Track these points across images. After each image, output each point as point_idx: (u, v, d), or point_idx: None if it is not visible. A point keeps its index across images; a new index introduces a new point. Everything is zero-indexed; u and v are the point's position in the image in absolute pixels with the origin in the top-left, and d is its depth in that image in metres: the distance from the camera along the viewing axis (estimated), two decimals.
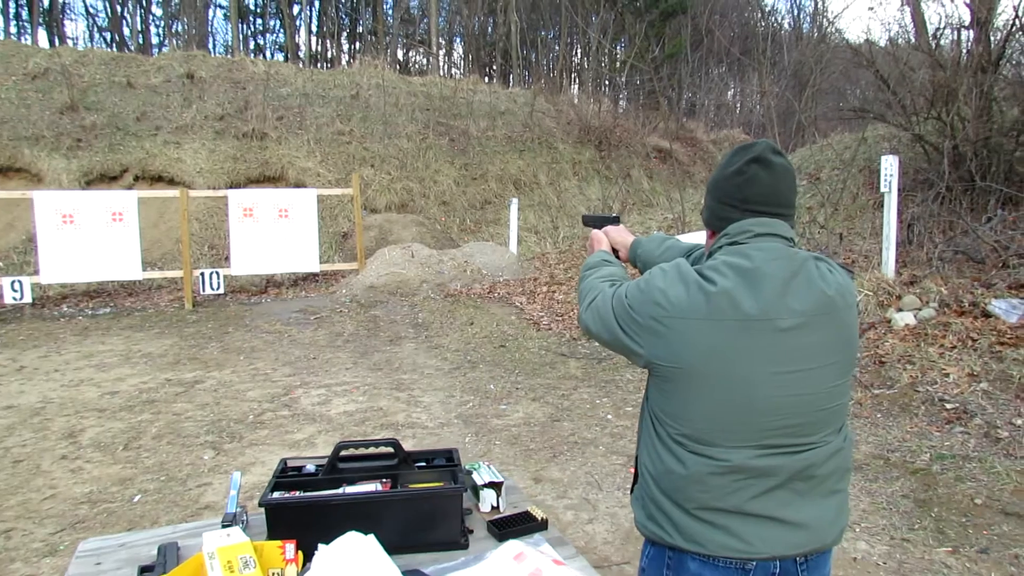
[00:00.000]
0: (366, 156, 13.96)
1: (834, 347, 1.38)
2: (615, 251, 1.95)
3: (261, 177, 12.84)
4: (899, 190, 6.82)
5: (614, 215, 2.04)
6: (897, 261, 6.81)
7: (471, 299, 9.40)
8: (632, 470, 1.55)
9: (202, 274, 9.44)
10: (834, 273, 1.41)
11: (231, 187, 11.99)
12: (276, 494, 1.78)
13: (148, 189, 11.57)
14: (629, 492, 1.49)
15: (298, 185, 12.52)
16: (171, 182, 12.05)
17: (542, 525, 1.85)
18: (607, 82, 24.78)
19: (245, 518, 1.81)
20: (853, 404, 5.16)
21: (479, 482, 1.98)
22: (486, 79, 23.80)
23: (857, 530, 3.52)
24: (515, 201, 11.92)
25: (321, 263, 10.17)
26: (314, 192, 10.04)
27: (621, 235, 1.97)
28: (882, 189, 6.77)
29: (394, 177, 13.72)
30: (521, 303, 9.19)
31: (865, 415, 4.99)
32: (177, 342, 7.46)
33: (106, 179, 12.00)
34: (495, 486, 1.97)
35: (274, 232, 9.62)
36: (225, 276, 9.66)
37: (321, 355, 6.95)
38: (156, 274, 9.64)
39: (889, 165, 6.64)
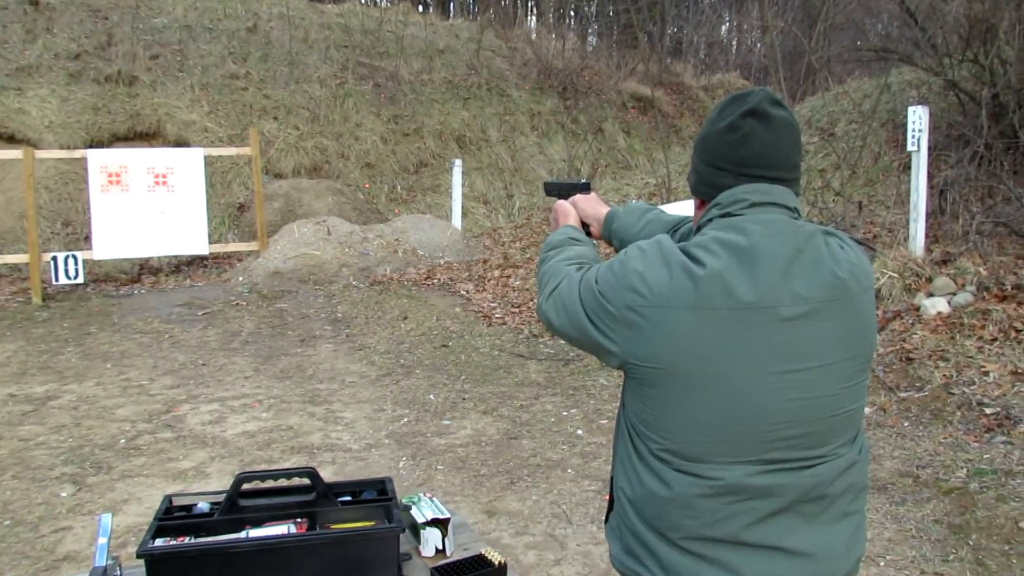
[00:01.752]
0: (267, 106, 13.77)
1: (847, 340, 1.41)
2: (585, 226, 1.98)
3: (131, 133, 12.55)
4: (929, 148, 7.00)
5: (583, 181, 2.08)
6: (927, 235, 7.00)
7: (404, 287, 9.40)
8: (608, 496, 1.59)
9: (54, 259, 9.21)
10: (846, 250, 1.45)
11: (91, 146, 11.67)
12: (159, 541, 1.77)
13: None
14: (604, 523, 1.54)
15: (180, 144, 12.28)
16: (11, 140, 11.66)
17: (500, 571, 1.86)
18: (572, 13, 24.83)
19: (119, 572, 1.77)
20: (876, 410, 5.31)
21: (419, 519, 1.99)
22: (420, 8, 23.61)
23: (881, 563, 3.62)
24: (458, 163, 11.88)
25: (211, 243, 10.02)
26: (201, 152, 9.88)
27: (593, 206, 2.00)
28: (909, 147, 6.95)
29: (304, 133, 13.56)
30: (467, 291, 9.23)
31: (890, 423, 5.13)
32: (23, 347, 7.29)
33: None
34: (440, 524, 1.97)
35: (149, 204, 9.44)
36: (85, 261, 9.44)
37: (212, 361, 6.90)
38: None
39: (917, 118, 6.80)
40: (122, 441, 5.13)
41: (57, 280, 9.23)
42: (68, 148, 11.33)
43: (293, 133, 13.48)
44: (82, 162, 9.80)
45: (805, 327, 1.37)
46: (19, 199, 10.63)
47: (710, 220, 1.47)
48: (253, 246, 10.32)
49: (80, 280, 9.34)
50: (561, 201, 2.03)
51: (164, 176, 9.54)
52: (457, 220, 11.72)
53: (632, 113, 17.38)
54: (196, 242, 9.71)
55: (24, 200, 9.46)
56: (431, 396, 6.03)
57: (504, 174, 14.49)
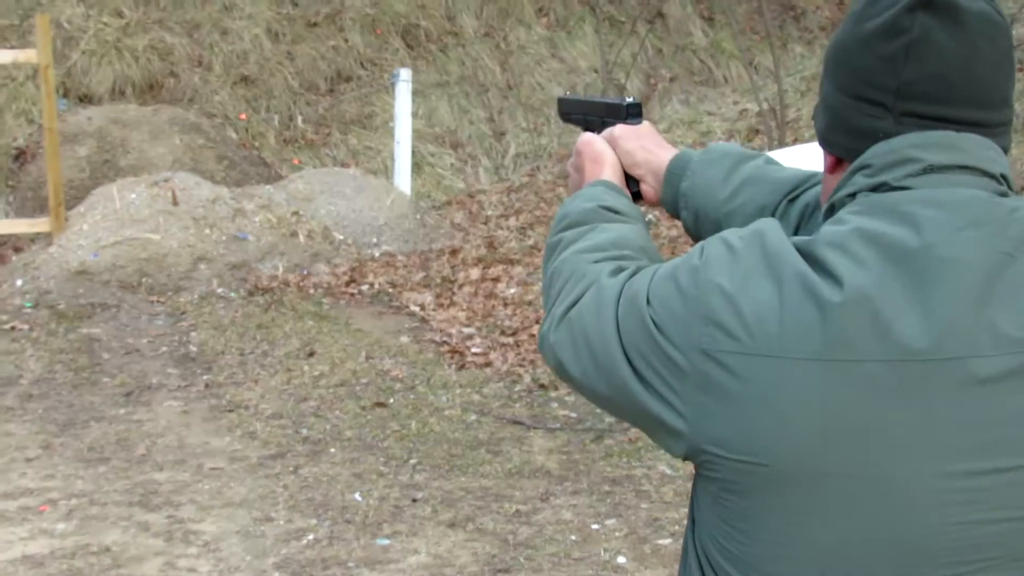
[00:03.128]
0: None
1: None
2: (632, 182, 1.97)
3: None
4: None
5: (630, 100, 2.06)
6: None
7: (310, 298, 9.39)
8: None
9: None
10: None
11: None
12: None
13: None
14: None
15: None
16: None
17: None
18: None
19: None
20: None
21: None
22: None
23: None
24: (406, 75, 11.83)
25: None
26: None
27: (645, 146, 1.99)
28: None
29: (131, 23, 13.57)
30: (422, 306, 9.20)
31: None
32: None
33: None
34: None
35: None
36: None
37: None
38: None
39: None
40: None
41: None
42: None
43: (113, 24, 13.48)
44: None
45: (1014, 394, 1.33)
46: None
47: (852, 196, 1.42)
48: (41, 225, 10.28)
49: None
50: (589, 136, 2.01)
51: None
52: (404, 178, 11.69)
53: None
54: None
55: None
56: (356, 496, 5.99)
57: (489, 95, 14.49)
